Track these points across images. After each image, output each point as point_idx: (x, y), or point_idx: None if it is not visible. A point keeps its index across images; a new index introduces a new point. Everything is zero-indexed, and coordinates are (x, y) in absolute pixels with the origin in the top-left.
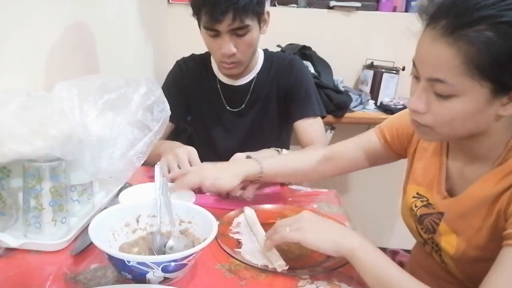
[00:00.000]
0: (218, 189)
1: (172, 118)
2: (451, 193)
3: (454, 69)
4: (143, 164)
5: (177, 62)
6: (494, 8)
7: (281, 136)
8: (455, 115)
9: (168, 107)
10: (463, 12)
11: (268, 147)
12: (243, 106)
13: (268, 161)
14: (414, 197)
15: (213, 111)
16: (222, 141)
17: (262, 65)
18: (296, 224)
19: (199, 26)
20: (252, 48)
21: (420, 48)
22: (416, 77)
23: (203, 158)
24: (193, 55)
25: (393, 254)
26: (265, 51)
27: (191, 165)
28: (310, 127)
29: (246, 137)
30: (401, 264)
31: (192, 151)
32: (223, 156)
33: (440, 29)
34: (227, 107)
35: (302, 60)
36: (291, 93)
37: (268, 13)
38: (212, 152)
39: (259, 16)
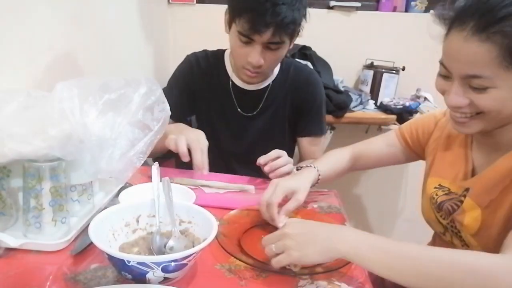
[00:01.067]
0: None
1: (173, 116)
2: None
3: (489, 63)
4: (143, 164)
5: (188, 58)
6: None
7: (289, 145)
8: (496, 102)
9: (168, 107)
10: (489, 11)
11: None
12: (256, 111)
13: (320, 166)
14: (435, 187)
15: (222, 113)
16: (229, 144)
17: (279, 72)
18: (280, 244)
19: (228, 25)
20: (277, 63)
21: (450, 48)
22: (445, 76)
23: (218, 152)
24: (206, 52)
25: None
26: (283, 59)
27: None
28: (314, 145)
29: (255, 143)
30: None
31: (199, 134)
32: (228, 159)
33: (470, 29)
34: (239, 111)
35: (319, 76)
36: (302, 108)
37: (302, 27)
38: (218, 155)
39: (294, 35)
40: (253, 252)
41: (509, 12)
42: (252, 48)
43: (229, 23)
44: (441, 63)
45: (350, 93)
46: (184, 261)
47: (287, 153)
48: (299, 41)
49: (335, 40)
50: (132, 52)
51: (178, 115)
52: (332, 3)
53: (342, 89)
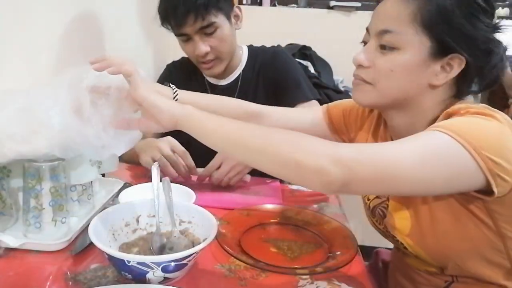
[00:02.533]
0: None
1: None
2: None
3: (402, 18)
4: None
5: (167, 65)
6: None
7: None
8: (394, 66)
9: None
10: None
11: None
12: None
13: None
14: None
15: None
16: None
17: (247, 61)
18: None
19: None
20: (226, 44)
21: (377, 8)
22: (364, 42)
23: (200, 157)
24: (183, 58)
25: (376, 254)
26: (250, 47)
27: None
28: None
29: None
30: (384, 263)
31: (171, 141)
32: (211, 158)
33: None
34: None
35: (284, 50)
36: (279, 85)
37: (238, 8)
38: (199, 154)
39: (226, 11)
40: (253, 252)
41: None
42: (192, 42)
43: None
44: (366, 29)
45: (350, 93)
46: (184, 261)
47: None
48: (299, 41)
49: (335, 40)
50: (132, 52)
51: None
52: (332, 3)
53: (342, 89)
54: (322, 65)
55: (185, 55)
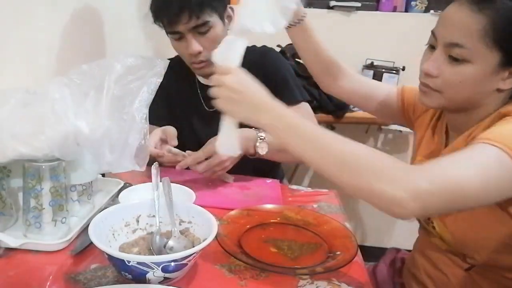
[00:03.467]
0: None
1: (155, 123)
2: None
3: (473, 33)
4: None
5: None
6: None
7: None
8: (463, 78)
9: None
10: None
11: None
12: None
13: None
14: None
15: (193, 111)
16: (197, 141)
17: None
18: (215, 89)
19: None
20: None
21: (444, 16)
22: (432, 47)
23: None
24: (177, 57)
25: (394, 252)
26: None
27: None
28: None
29: None
30: (402, 261)
31: (167, 129)
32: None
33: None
34: (205, 107)
35: (273, 49)
36: (267, 85)
37: (232, 9)
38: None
39: (219, 11)
40: (253, 252)
41: None
42: (185, 41)
43: (166, 34)
44: (432, 32)
45: None
46: (184, 261)
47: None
48: None
49: (335, 40)
50: (132, 52)
51: (158, 123)
52: (332, 3)
53: None
54: None
55: (177, 55)
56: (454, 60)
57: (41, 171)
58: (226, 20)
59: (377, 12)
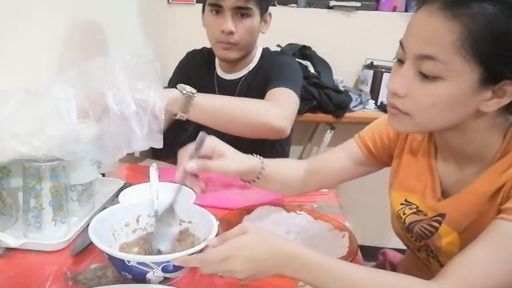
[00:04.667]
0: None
1: None
2: (445, 195)
3: (448, 44)
4: (142, 164)
5: (187, 53)
6: None
7: None
8: (437, 100)
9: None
10: None
11: (259, 140)
12: None
13: (265, 160)
14: (402, 204)
15: None
16: (211, 133)
17: (258, 62)
18: (225, 265)
19: (203, 12)
20: (250, 36)
21: (413, 24)
22: (400, 61)
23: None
24: (203, 48)
25: (383, 255)
26: (265, 49)
27: None
28: (276, 92)
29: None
30: (391, 265)
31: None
32: None
33: (440, 2)
34: None
35: (290, 54)
36: (267, 77)
37: (270, 14)
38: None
39: (262, 8)
40: None
41: None
42: (223, 17)
43: (203, 6)
44: (400, 43)
45: (350, 93)
46: None
47: (271, 143)
48: (299, 41)
49: (335, 40)
50: (132, 52)
51: None
52: (332, 3)
53: (342, 89)
54: (322, 65)
55: (195, 47)
56: (425, 77)
57: (41, 171)
58: (262, 21)
59: (377, 12)
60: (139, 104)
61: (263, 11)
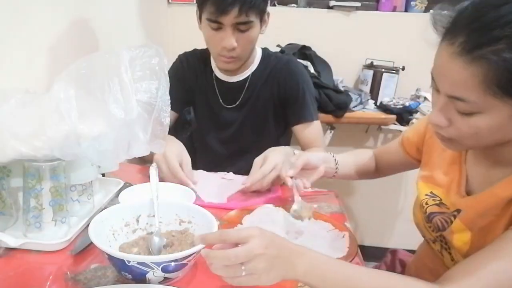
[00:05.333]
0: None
1: (174, 107)
2: (470, 193)
3: (474, 88)
4: (143, 164)
5: (179, 56)
6: None
7: (276, 135)
8: (478, 130)
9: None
10: (480, 29)
11: (263, 146)
12: (237, 103)
13: (338, 156)
14: (427, 195)
15: (208, 107)
16: (214, 136)
17: (259, 63)
18: (250, 266)
19: (199, 19)
20: (251, 45)
21: (438, 63)
22: (437, 90)
23: (200, 152)
24: (195, 50)
25: (393, 253)
26: (264, 50)
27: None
28: (309, 132)
29: (238, 134)
30: (402, 263)
31: (184, 156)
32: (215, 152)
33: (458, 46)
34: (222, 103)
35: (299, 61)
36: (287, 98)
37: (268, 14)
38: (204, 147)
39: (262, 14)
40: None
41: (499, 35)
42: (223, 33)
43: (199, 15)
44: (431, 75)
45: (350, 93)
46: (184, 261)
47: (276, 144)
48: (299, 41)
49: (335, 40)
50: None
51: (178, 106)
52: (332, 3)
53: (342, 89)
54: (322, 65)
55: (195, 47)
56: (464, 113)
57: (41, 171)
58: (263, 24)
59: (377, 12)
60: (144, 107)
61: (263, 15)
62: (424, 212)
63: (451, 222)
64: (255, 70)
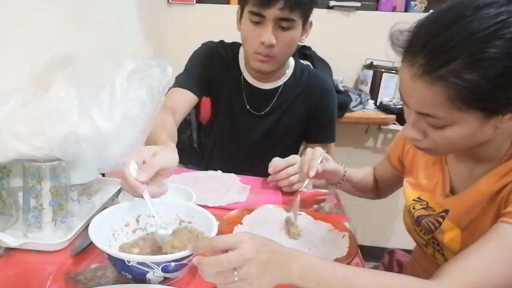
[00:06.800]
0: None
1: (195, 90)
2: (454, 193)
3: (440, 105)
4: None
5: (208, 44)
6: (467, 45)
7: (294, 147)
8: (452, 140)
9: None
10: (436, 51)
11: (276, 156)
12: (265, 110)
13: (348, 169)
14: (414, 200)
15: (230, 108)
16: (233, 141)
17: (292, 74)
18: (242, 272)
19: (240, 17)
20: (289, 49)
21: (403, 83)
22: (407, 105)
23: (222, 149)
24: (222, 42)
25: (390, 254)
26: (297, 61)
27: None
28: (329, 152)
29: (259, 142)
30: (399, 264)
31: (168, 164)
32: (231, 155)
33: (418, 69)
34: (248, 108)
35: (332, 84)
36: (314, 115)
37: (311, 23)
38: (221, 150)
39: (305, 17)
40: None
41: (454, 55)
42: (263, 28)
43: (241, 10)
44: (399, 91)
45: (349, 93)
46: (184, 261)
47: (287, 156)
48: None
49: (335, 40)
50: (132, 52)
51: (199, 90)
52: (332, 3)
53: (341, 89)
54: (322, 65)
55: (195, 47)
56: (435, 127)
57: (41, 171)
58: (304, 32)
59: (377, 12)
60: (129, 120)
61: (305, 21)
62: (412, 216)
63: (439, 223)
64: (287, 81)
